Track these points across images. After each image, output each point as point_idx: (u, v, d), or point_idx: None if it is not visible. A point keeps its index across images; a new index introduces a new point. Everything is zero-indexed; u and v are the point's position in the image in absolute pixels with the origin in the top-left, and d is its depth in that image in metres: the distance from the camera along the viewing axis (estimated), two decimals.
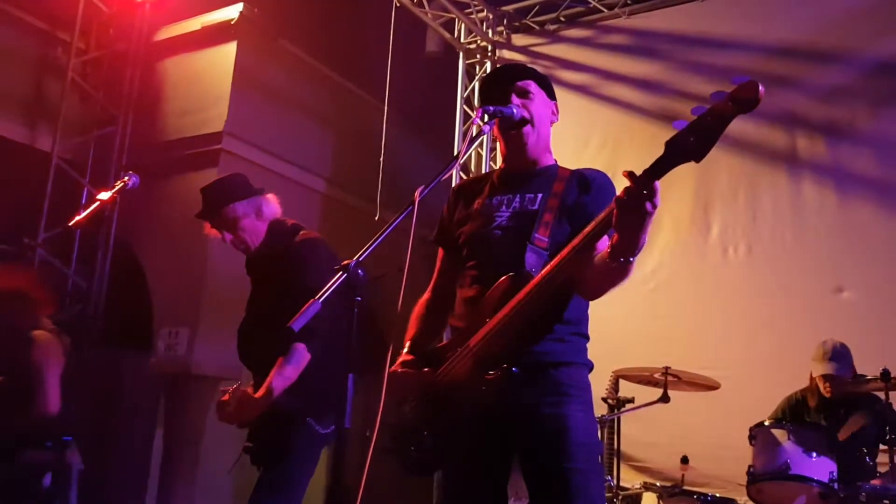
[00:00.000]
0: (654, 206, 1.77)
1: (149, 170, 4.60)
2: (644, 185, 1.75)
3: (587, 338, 2.25)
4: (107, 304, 6.78)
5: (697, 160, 1.72)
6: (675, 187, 5.62)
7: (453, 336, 2.25)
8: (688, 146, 1.72)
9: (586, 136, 6.15)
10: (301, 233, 3.16)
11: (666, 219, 5.69)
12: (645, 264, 5.62)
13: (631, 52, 6.23)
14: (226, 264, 5.78)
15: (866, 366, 4.01)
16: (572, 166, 2.38)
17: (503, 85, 2.35)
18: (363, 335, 1.82)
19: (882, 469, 3.75)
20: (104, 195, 3.02)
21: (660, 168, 1.77)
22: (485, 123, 2.29)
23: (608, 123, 6.19)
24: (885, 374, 3.61)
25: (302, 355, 2.90)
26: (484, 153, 6.89)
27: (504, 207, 2.28)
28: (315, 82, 7.60)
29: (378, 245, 1.87)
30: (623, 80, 6.18)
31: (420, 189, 1.99)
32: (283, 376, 2.87)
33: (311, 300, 1.71)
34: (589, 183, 2.28)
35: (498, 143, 2.48)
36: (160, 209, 6.63)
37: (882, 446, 3.74)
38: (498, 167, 2.51)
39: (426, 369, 2.23)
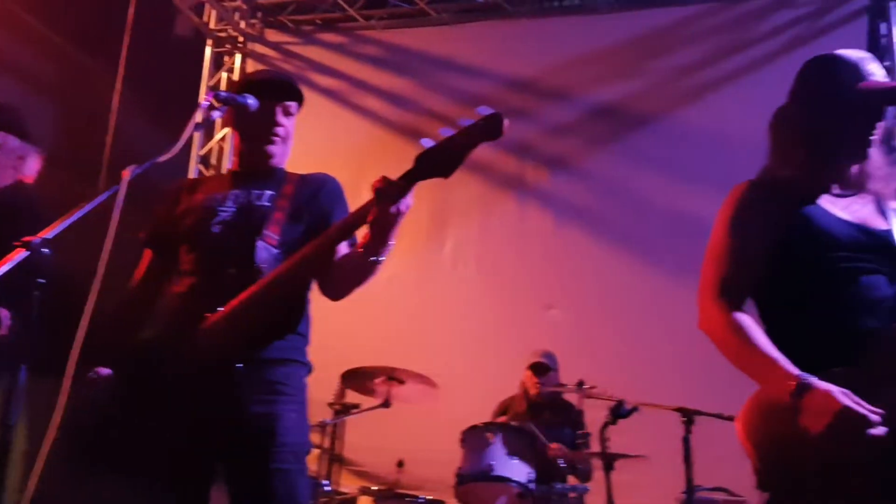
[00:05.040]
0: (408, 207, 1.90)
1: None
2: (402, 188, 1.86)
3: (306, 337, 2.22)
4: None
5: (445, 176, 1.84)
6: (415, 202, 5.79)
7: (165, 332, 2.11)
8: (437, 163, 1.83)
9: (335, 142, 6.14)
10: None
11: (403, 232, 5.81)
12: (381, 274, 5.70)
13: (384, 64, 6.36)
14: None
15: (567, 377, 4.42)
16: (320, 171, 2.38)
17: (279, 97, 2.29)
18: (47, 323, 1.63)
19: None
20: None
21: (412, 177, 1.87)
22: (214, 109, 2.19)
23: (358, 132, 6.25)
24: (580, 384, 4.01)
25: None
26: (227, 147, 6.63)
27: (229, 202, 2.21)
28: (37, 46, 6.80)
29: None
30: (374, 92, 6.29)
31: (131, 168, 1.86)
32: None
33: None
34: (320, 186, 2.30)
35: (233, 142, 2.40)
36: None
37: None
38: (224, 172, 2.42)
39: (130, 371, 2.08)
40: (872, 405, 1.58)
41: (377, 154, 5.97)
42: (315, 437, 4.40)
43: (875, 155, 1.92)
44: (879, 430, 1.55)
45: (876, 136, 1.89)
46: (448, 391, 4.59)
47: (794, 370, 1.66)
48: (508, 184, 5.96)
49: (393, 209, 1.87)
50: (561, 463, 3.93)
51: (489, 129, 1.80)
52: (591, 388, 3.99)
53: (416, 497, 3.92)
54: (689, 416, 3.73)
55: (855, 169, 1.92)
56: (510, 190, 5.97)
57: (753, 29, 5.74)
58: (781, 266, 1.84)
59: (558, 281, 5.63)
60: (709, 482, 3.97)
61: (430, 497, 3.97)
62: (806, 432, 1.60)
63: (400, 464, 4.05)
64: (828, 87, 1.90)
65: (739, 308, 1.81)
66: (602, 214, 5.75)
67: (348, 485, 4.73)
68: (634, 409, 3.69)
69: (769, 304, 1.89)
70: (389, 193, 1.86)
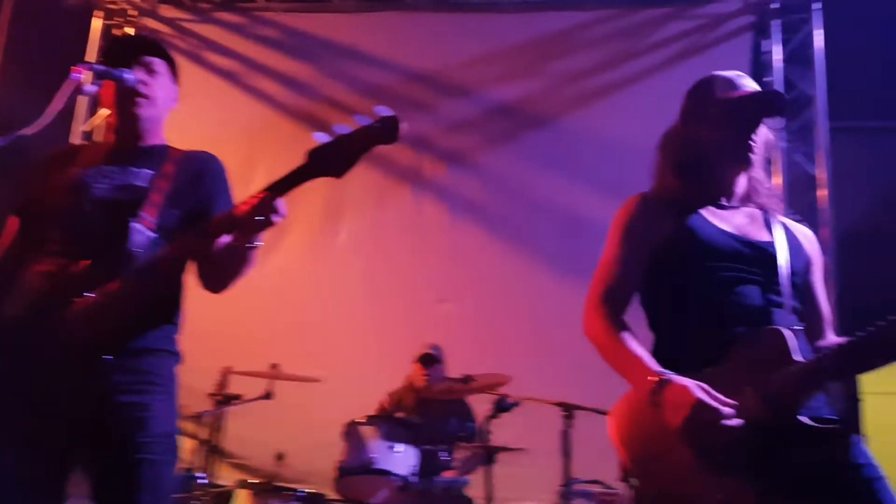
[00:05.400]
0: (281, 217, 1.85)
1: None
2: (271, 202, 1.82)
3: (178, 327, 2.14)
4: None
5: (337, 176, 1.78)
6: (309, 191, 5.66)
7: (29, 314, 1.98)
8: (328, 162, 1.78)
9: (228, 123, 5.97)
10: None
11: (297, 220, 5.76)
12: (270, 263, 5.62)
13: (282, 48, 6.21)
14: None
15: (455, 370, 4.44)
16: (211, 151, 2.28)
17: (131, 53, 2.18)
18: None
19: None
20: None
21: (294, 179, 1.82)
22: (90, 83, 2.08)
23: (251, 114, 6.10)
24: (466, 378, 4.03)
25: None
26: None
27: (105, 179, 2.09)
28: None
29: None
30: (271, 75, 6.15)
31: None
32: None
33: None
34: (203, 169, 2.21)
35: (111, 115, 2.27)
36: None
37: None
38: (105, 140, 2.29)
39: None
40: (733, 401, 1.67)
41: (271, 138, 5.85)
42: (193, 429, 4.28)
43: (758, 170, 2.02)
44: (734, 421, 1.62)
45: (755, 148, 1.97)
46: (336, 383, 4.54)
47: (657, 368, 1.74)
48: (405, 176, 5.95)
49: (261, 219, 1.84)
50: (443, 456, 3.96)
51: (385, 131, 1.76)
52: (477, 381, 4.02)
53: (296, 490, 3.86)
54: (569, 411, 3.83)
55: (741, 182, 2.01)
56: (406, 182, 5.96)
57: (647, 38, 5.95)
58: (665, 273, 1.93)
59: (451, 275, 5.67)
60: (586, 475, 4.09)
61: (311, 490, 3.91)
62: (666, 426, 1.67)
63: (280, 456, 3.96)
64: (703, 103, 2.00)
65: (620, 314, 1.91)
66: (497, 211, 5.82)
67: (227, 477, 4.60)
68: (516, 403, 3.75)
69: (654, 309, 1.99)
70: (261, 212, 1.84)
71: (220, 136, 5.75)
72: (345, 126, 1.77)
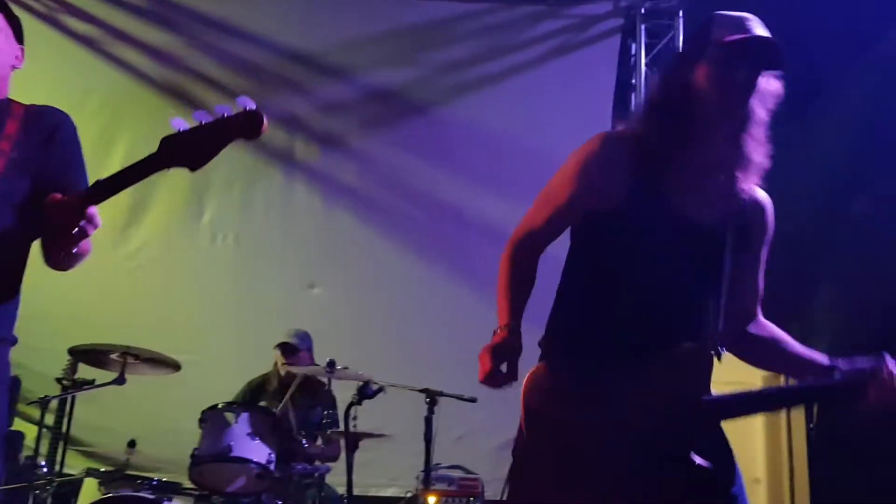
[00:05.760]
0: (95, 226, 1.71)
1: None
2: (81, 209, 1.67)
3: (12, 309, 1.97)
4: None
5: (192, 169, 1.67)
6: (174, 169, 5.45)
7: None
8: (184, 153, 1.65)
9: (88, 91, 5.61)
10: None
11: (159, 199, 5.51)
12: (129, 242, 5.36)
13: (146, 15, 5.87)
14: None
15: (324, 356, 4.37)
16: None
17: None
18: None
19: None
20: None
21: (145, 169, 1.68)
22: None
23: (113, 84, 5.74)
24: (331, 363, 3.97)
25: None
26: None
27: None
28: None
29: None
30: (134, 44, 5.79)
31: None
32: None
33: None
34: (52, 130, 2.01)
35: None
36: None
37: None
38: None
39: None
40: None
41: (133, 109, 5.56)
42: (38, 415, 4.04)
43: (750, 133, 1.72)
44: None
45: (748, 103, 1.71)
46: (200, 369, 4.40)
47: (505, 321, 1.75)
48: (276, 157, 5.79)
49: (75, 232, 1.70)
50: (305, 443, 3.90)
51: (247, 125, 1.64)
52: (342, 368, 3.97)
53: (151, 479, 3.70)
54: (432, 397, 3.87)
55: (722, 143, 1.73)
56: (278, 163, 5.81)
57: (522, 34, 6.05)
58: (594, 247, 1.81)
59: (323, 260, 5.60)
60: (448, 461, 4.15)
61: (164, 479, 3.76)
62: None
63: (131, 444, 3.77)
64: (701, 43, 1.78)
65: (533, 256, 1.84)
66: (371, 197, 5.78)
67: (75, 466, 4.35)
68: (380, 389, 3.74)
69: (570, 273, 1.87)
70: (65, 219, 1.68)
71: (78, 103, 5.40)
72: (205, 114, 1.65)
